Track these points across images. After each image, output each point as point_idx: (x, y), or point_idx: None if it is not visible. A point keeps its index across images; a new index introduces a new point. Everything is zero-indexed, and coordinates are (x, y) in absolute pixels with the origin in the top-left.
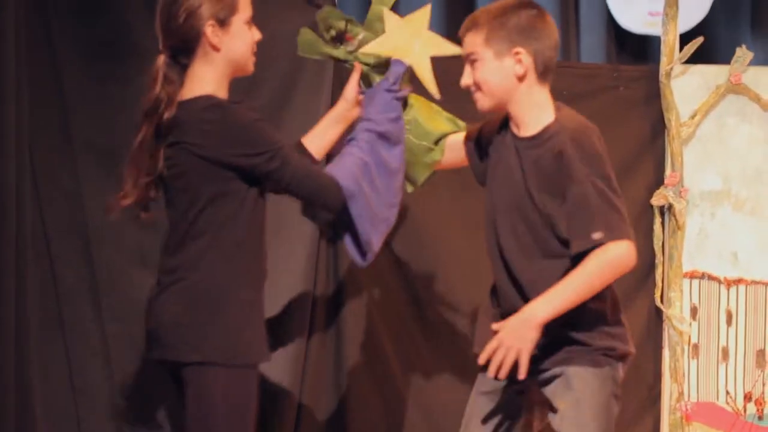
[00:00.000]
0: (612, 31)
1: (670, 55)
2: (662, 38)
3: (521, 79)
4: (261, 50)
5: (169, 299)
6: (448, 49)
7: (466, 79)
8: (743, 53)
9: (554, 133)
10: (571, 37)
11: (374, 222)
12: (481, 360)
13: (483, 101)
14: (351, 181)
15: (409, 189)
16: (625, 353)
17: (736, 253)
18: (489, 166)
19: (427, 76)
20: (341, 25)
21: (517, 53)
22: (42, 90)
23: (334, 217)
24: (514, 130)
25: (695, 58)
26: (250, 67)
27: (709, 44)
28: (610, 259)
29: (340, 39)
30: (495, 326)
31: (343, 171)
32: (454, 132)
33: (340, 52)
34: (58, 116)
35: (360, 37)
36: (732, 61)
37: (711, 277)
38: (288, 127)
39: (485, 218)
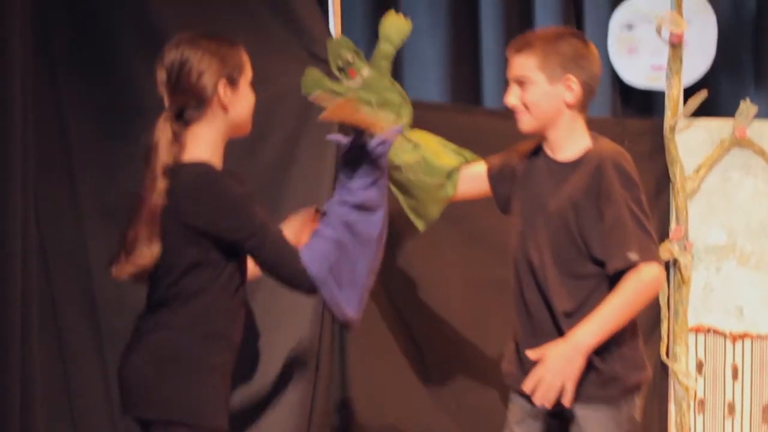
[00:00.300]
0: (617, 85)
1: (675, 110)
2: (666, 92)
3: (569, 105)
4: (266, 106)
5: (139, 357)
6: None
7: (512, 99)
8: (747, 107)
9: (594, 157)
10: None
11: (349, 297)
12: (527, 388)
13: (528, 123)
14: (321, 268)
15: (421, 227)
16: (642, 381)
17: (741, 308)
18: (517, 190)
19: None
20: (348, 56)
21: (568, 80)
22: (49, 150)
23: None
24: (550, 154)
25: (699, 112)
26: (248, 129)
27: (713, 98)
28: (646, 281)
29: (344, 70)
30: (535, 354)
31: (314, 256)
32: (463, 164)
33: (341, 88)
34: (65, 177)
35: (364, 73)
36: (736, 115)
37: (716, 332)
38: (292, 185)
39: (514, 239)
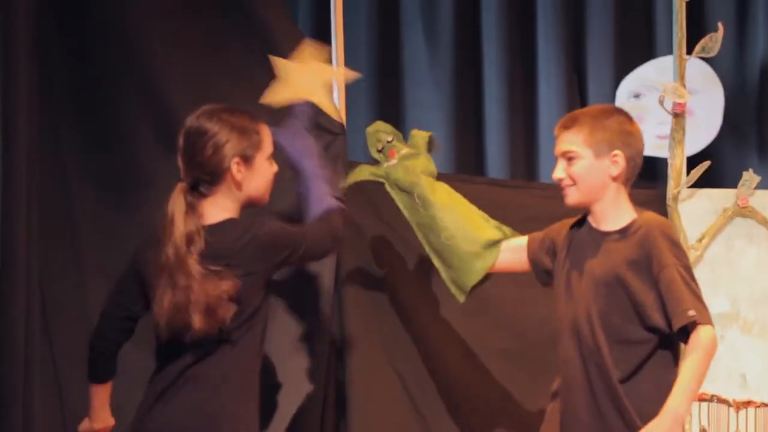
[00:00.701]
0: None
1: (678, 179)
2: (669, 162)
3: (614, 179)
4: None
5: (178, 412)
6: (339, 74)
7: (559, 174)
8: (750, 177)
9: (641, 226)
10: None
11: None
12: None
13: (574, 196)
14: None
15: (461, 299)
16: None
17: (744, 375)
18: (561, 262)
19: (325, 104)
20: (387, 137)
21: (615, 155)
22: (52, 218)
23: None
24: (594, 225)
25: (702, 182)
26: (266, 200)
27: (716, 168)
28: (709, 344)
29: (383, 151)
30: None
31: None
32: (503, 239)
33: (382, 170)
34: (69, 244)
35: (403, 152)
36: (739, 185)
37: (720, 400)
38: None
39: (559, 312)
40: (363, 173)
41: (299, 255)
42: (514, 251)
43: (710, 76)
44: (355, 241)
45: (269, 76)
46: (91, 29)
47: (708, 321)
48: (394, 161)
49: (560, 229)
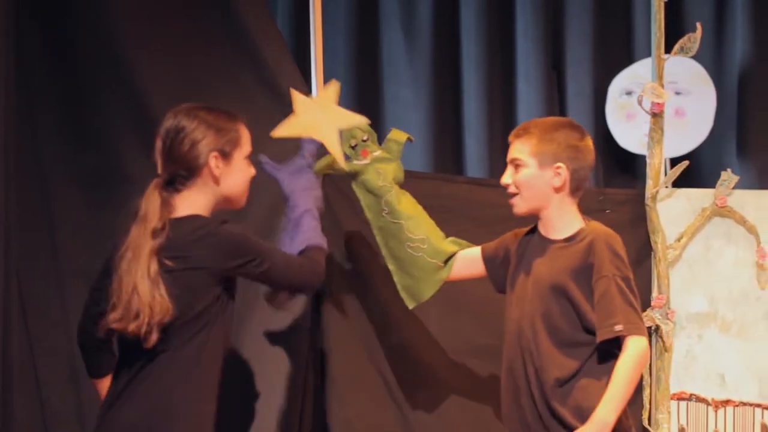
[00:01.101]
0: (600, 154)
1: (656, 178)
2: (648, 161)
3: (557, 190)
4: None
5: (133, 411)
6: (354, 120)
7: (506, 179)
8: (729, 177)
9: (587, 235)
10: None
11: None
12: None
13: (520, 205)
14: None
15: (411, 305)
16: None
17: (723, 375)
18: (512, 268)
19: (335, 149)
20: (362, 136)
21: (558, 167)
22: (31, 215)
23: None
24: (543, 233)
25: (681, 182)
26: (242, 203)
27: (694, 168)
28: (638, 354)
29: (356, 149)
30: None
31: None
32: (459, 250)
33: (350, 166)
34: (48, 242)
35: (375, 154)
36: (717, 185)
37: (699, 399)
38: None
39: (510, 313)
40: (329, 166)
41: (262, 270)
42: (468, 261)
43: (703, 76)
44: (334, 237)
45: (249, 75)
46: (72, 28)
47: (639, 332)
48: (366, 161)
49: (514, 237)
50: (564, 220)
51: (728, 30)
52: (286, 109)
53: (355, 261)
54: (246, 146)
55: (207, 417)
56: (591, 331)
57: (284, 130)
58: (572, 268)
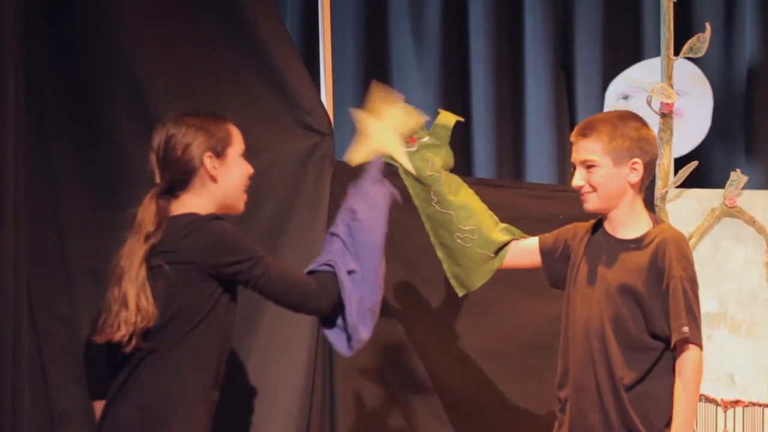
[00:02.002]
0: None
1: (665, 179)
2: (657, 162)
3: (632, 185)
4: (258, 176)
5: (126, 411)
6: (412, 122)
7: (579, 181)
8: (737, 177)
9: (656, 236)
10: (567, 162)
11: (360, 310)
12: None
13: (594, 202)
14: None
15: (461, 293)
16: None
17: (732, 375)
18: (575, 266)
19: (402, 159)
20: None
21: (634, 163)
22: (39, 215)
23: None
24: (610, 231)
25: (690, 182)
26: (241, 205)
27: (703, 168)
28: (699, 369)
29: (403, 137)
30: None
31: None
32: (512, 240)
33: (399, 155)
34: (56, 242)
35: (423, 140)
36: (726, 185)
37: (708, 399)
38: (283, 253)
39: (571, 313)
40: (374, 152)
41: (255, 275)
42: (522, 252)
43: (699, 77)
44: None
45: (256, 75)
46: (79, 28)
47: (698, 341)
48: (413, 148)
49: (574, 231)
50: (633, 218)
51: (737, 30)
52: (293, 111)
53: None
54: (238, 144)
55: (201, 418)
56: (657, 336)
57: (360, 155)
58: (642, 271)
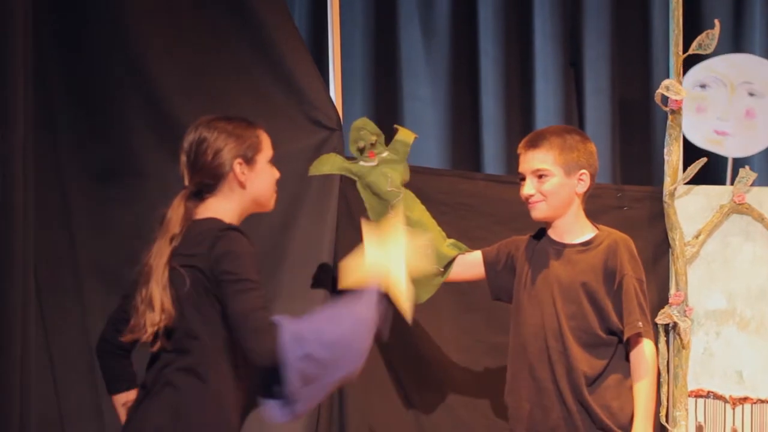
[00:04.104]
0: (617, 151)
1: (674, 176)
2: (665, 159)
3: (579, 196)
4: None
5: (155, 415)
6: (427, 264)
7: (530, 190)
8: (746, 173)
9: (605, 238)
10: None
11: (310, 396)
12: None
13: (543, 210)
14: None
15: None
16: None
17: (741, 372)
18: (524, 274)
19: (401, 298)
20: (372, 138)
21: (582, 174)
22: (48, 213)
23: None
24: (556, 238)
25: (699, 179)
26: (271, 204)
27: (712, 165)
28: (654, 360)
29: (364, 151)
30: None
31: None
32: (459, 254)
33: (356, 168)
34: (65, 239)
35: (383, 155)
36: (735, 182)
37: (716, 396)
38: (293, 248)
39: (524, 319)
40: (334, 165)
41: (233, 293)
42: (467, 265)
43: None
44: (348, 235)
45: (264, 71)
46: (88, 25)
47: (650, 336)
48: (372, 163)
49: (516, 243)
50: (578, 225)
51: (746, 27)
52: (302, 106)
53: None
54: (268, 150)
55: (229, 420)
56: (612, 332)
57: (354, 275)
58: (595, 270)
